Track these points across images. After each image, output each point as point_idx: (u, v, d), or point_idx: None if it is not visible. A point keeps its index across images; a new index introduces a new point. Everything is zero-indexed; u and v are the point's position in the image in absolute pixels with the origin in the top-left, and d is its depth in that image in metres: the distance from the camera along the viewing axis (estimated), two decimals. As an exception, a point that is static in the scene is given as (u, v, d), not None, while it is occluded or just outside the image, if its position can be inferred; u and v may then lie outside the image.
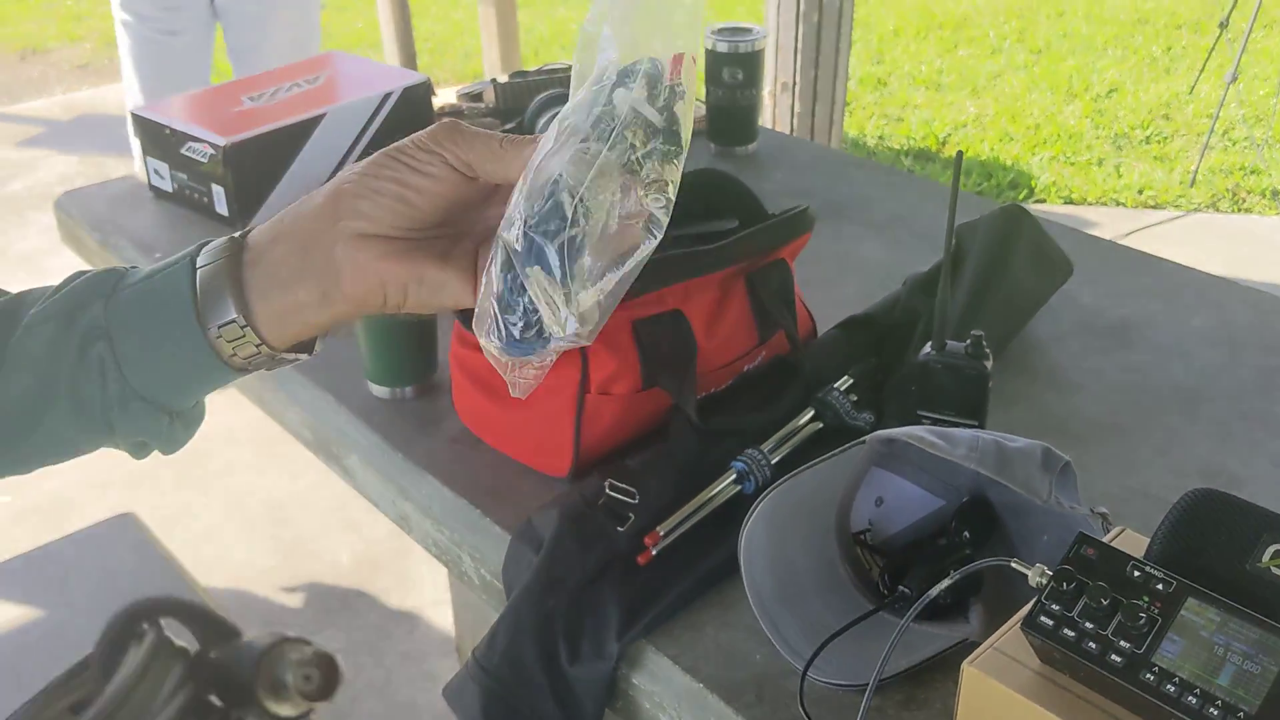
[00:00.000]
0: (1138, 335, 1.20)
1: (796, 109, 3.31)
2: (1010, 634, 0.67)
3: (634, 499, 0.92)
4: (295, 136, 1.48)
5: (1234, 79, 3.86)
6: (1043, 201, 3.90)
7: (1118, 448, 1.03)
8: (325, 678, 0.49)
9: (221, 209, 1.46)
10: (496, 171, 0.61)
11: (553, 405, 0.97)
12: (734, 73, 1.60)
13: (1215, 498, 0.65)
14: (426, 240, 0.63)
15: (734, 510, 0.89)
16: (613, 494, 0.92)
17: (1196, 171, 3.97)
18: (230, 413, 2.77)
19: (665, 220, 0.59)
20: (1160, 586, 0.62)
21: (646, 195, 0.58)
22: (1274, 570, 0.62)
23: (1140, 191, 3.94)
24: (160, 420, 0.67)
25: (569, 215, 0.57)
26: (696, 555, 0.89)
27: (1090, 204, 3.90)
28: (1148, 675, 0.60)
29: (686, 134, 0.60)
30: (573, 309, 0.58)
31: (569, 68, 1.75)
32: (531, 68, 1.82)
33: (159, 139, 1.50)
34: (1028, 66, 5.07)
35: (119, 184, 1.64)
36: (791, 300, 1.09)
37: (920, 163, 4.19)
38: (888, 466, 0.87)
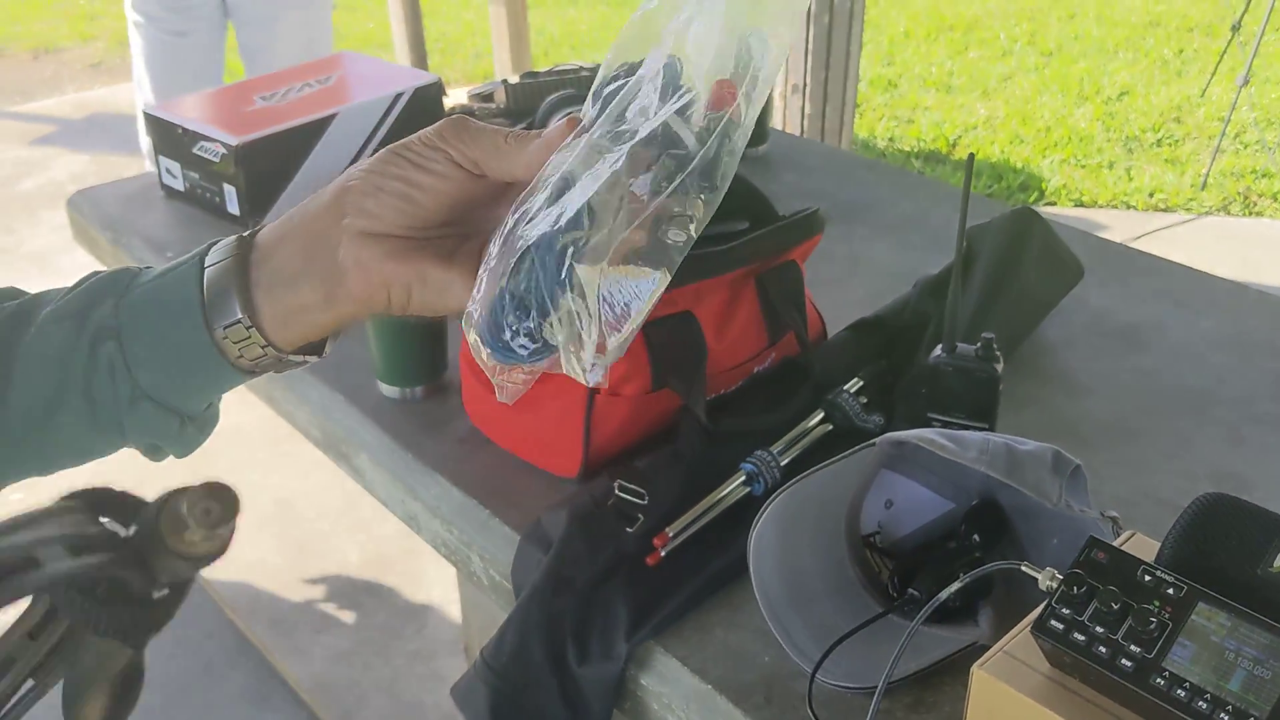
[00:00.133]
0: (1148, 338, 1.20)
1: (807, 110, 3.30)
2: (1020, 638, 0.67)
3: (643, 500, 0.92)
4: (307, 136, 1.48)
5: (1246, 82, 3.85)
6: (1053, 204, 3.90)
7: (1128, 451, 1.03)
8: (224, 506, 0.50)
9: (233, 208, 1.46)
10: (502, 169, 0.60)
11: (562, 406, 0.97)
12: (745, 74, 1.60)
13: (1226, 502, 0.65)
14: (433, 239, 0.62)
15: (743, 512, 0.89)
16: (622, 495, 0.93)
17: (1208, 175, 3.96)
18: (240, 411, 2.77)
19: (679, 260, 0.56)
20: (1171, 591, 0.62)
21: (666, 231, 0.56)
22: (1285, 575, 0.62)
23: (1151, 194, 3.93)
24: (171, 422, 0.67)
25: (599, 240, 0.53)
26: (705, 556, 0.89)
27: (1101, 207, 3.89)
28: (1158, 680, 0.60)
29: (727, 175, 0.56)
30: (604, 357, 0.56)
31: (579, 69, 1.76)
32: (542, 68, 1.82)
33: (171, 138, 1.51)
34: (1039, 69, 5.06)
35: (131, 183, 1.65)
36: (802, 302, 1.08)
37: (930, 165, 4.18)
38: (897, 469, 0.87)
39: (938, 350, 0.95)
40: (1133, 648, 0.61)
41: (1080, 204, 3.90)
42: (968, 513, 0.84)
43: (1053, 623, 0.63)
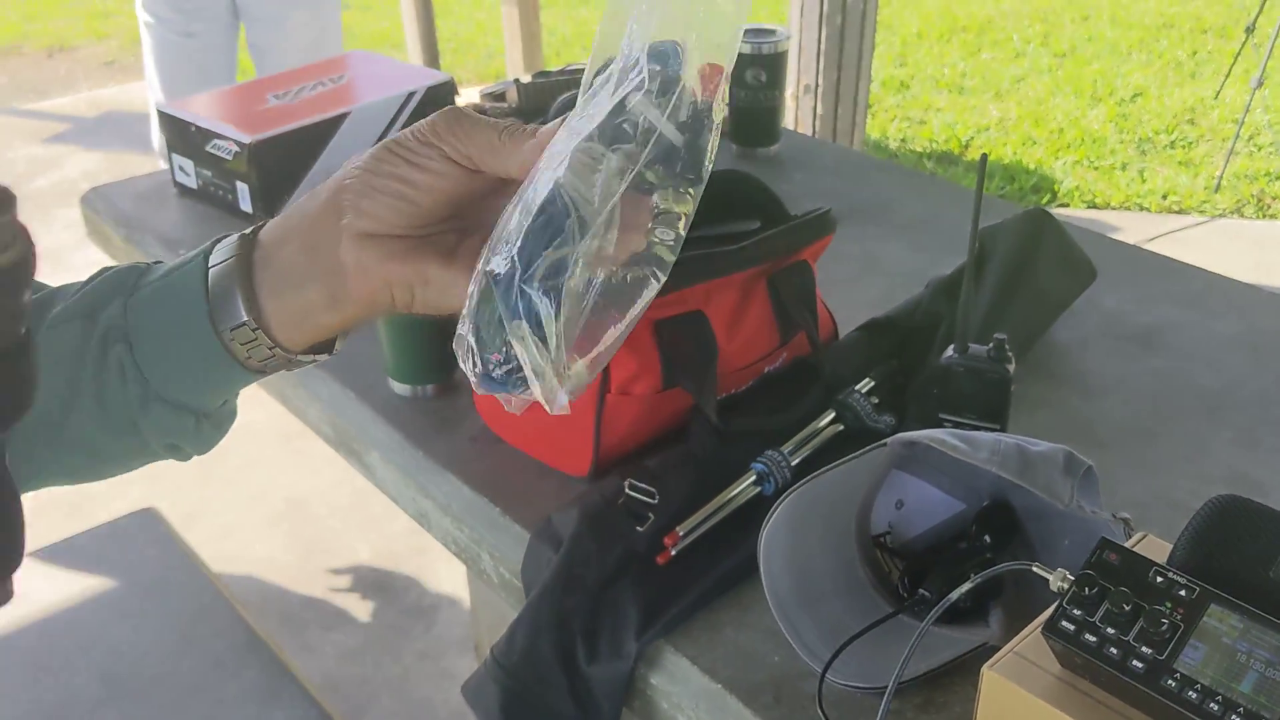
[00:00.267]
0: (1162, 340, 1.19)
1: (819, 111, 3.30)
2: (1031, 638, 0.67)
3: (654, 499, 0.92)
4: (319, 135, 1.49)
5: (1260, 84, 3.83)
6: (1066, 206, 3.89)
7: (1141, 453, 1.02)
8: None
9: (246, 206, 1.47)
10: (497, 167, 0.58)
11: (573, 405, 0.97)
12: (757, 74, 1.60)
13: (1239, 504, 0.65)
14: (434, 236, 0.60)
15: (753, 511, 0.89)
16: (632, 494, 0.93)
17: (1221, 177, 3.94)
18: (252, 409, 2.78)
19: (671, 261, 0.53)
20: (1183, 593, 0.62)
21: (654, 230, 0.53)
22: (1298, 578, 0.62)
23: (1164, 197, 3.91)
24: (186, 421, 0.67)
25: (573, 264, 0.50)
26: (716, 556, 0.89)
27: (1114, 209, 3.88)
28: (1169, 681, 0.60)
29: (709, 163, 0.53)
30: (566, 383, 0.53)
31: (592, 68, 1.76)
32: (554, 68, 1.82)
33: (185, 136, 1.51)
34: (1052, 70, 5.05)
35: (144, 180, 1.65)
36: (813, 302, 1.08)
37: (943, 166, 4.17)
38: (908, 469, 0.87)
39: (949, 351, 0.95)
40: (1144, 649, 0.61)
41: (1093, 206, 3.89)
42: (979, 513, 0.84)
43: (1064, 624, 0.63)
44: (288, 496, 2.55)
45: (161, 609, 1.48)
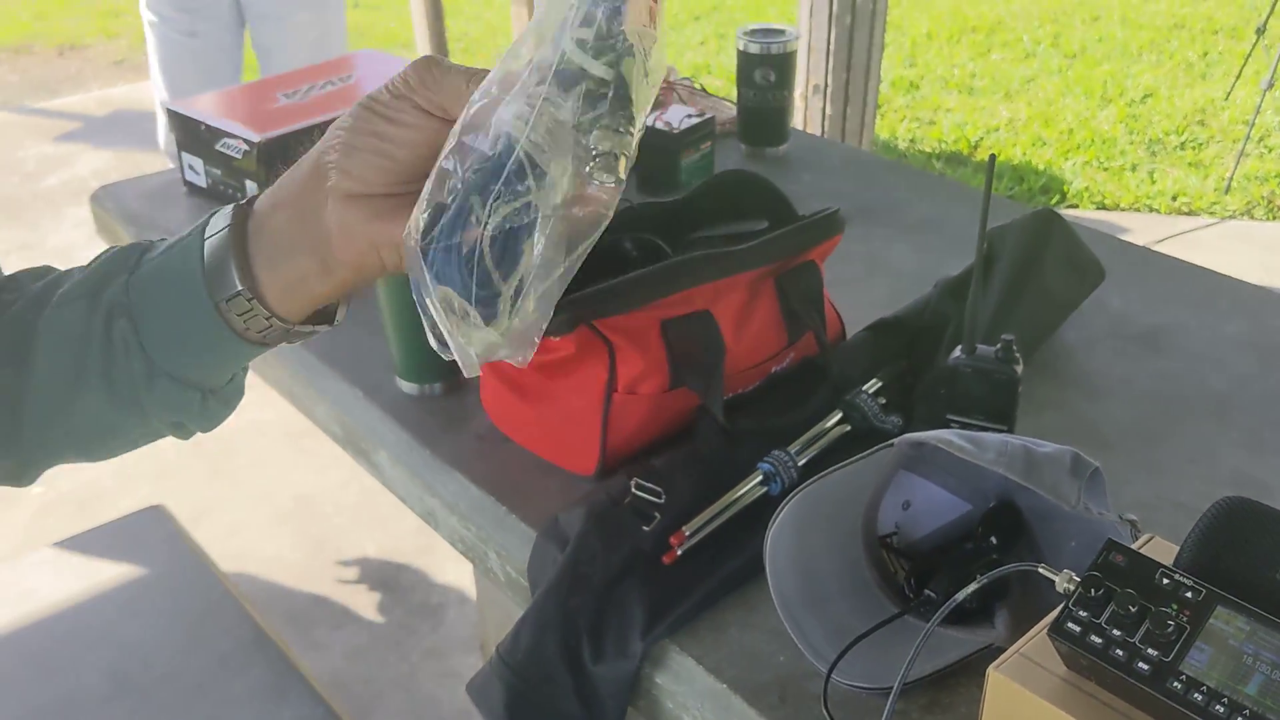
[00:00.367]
0: (1170, 342, 1.19)
1: (828, 111, 3.30)
2: (1036, 640, 0.67)
3: (660, 498, 0.92)
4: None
5: (1270, 85, 3.82)
6: (1075, 207, 3.88)
7: (1148, 455, 1.02)
8: None
9: (254, 205, 1.47)
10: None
11: (580, 404, 0.97)
12: (765, 74, 1.60)
13: (1246, 506, 0.65)
14: (417, 193, 0.59)
15: (760, 511, 0.89)
16: (639, 493, 0.93)
17: (1232, 178, 3.93)
18: (261, 408, 2.79)
19: (614, 202, 0.52)
20: (1189, 594, 0.62)
21: (594, 171, 0.51)
22: (1305, 580, 0.62)
23: (1174, 198, 3.90)
24: (191, 398, 0.66)
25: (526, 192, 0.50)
26: (722, 556, 0.89)
27: (1123, 210, 3.87)
28: (1175, 683, 0.59)
29: (642, 101, 0.51)
30: (503, 326, 0.52)
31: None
32: (563, 67, 1.82)
33: (194, 134, 1.52)
34: (1062, 71, 5.04)
35: (153, 179, 1.66)
36: (820, 302, 1.08)
37: (952, 166, 4.17)
38: (915, 470, 0.86)
39: (957, 352, 0.95)
40: (1150, 651, 0.61)
41: (1102, 207, 3.88)
42: (985, 514, 0.84)
43: (1069, 625, 0.63)
44: (295, 495, 2.55)
45: (169, 606, 1.49)
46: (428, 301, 0.54)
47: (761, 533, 0.81)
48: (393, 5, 6.08)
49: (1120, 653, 0.61)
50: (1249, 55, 4.30)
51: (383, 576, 2.32)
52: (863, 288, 1.28)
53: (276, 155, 1.44)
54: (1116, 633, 0.62)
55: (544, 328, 0.54)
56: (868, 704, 0.78)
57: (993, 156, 0.88)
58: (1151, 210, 3.86)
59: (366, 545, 2.40)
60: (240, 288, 0.61)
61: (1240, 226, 3.75)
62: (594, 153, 0.50)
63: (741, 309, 1.02)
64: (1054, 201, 3.87)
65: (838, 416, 1.01)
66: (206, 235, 0.63)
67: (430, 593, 2.27)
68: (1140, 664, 0.60)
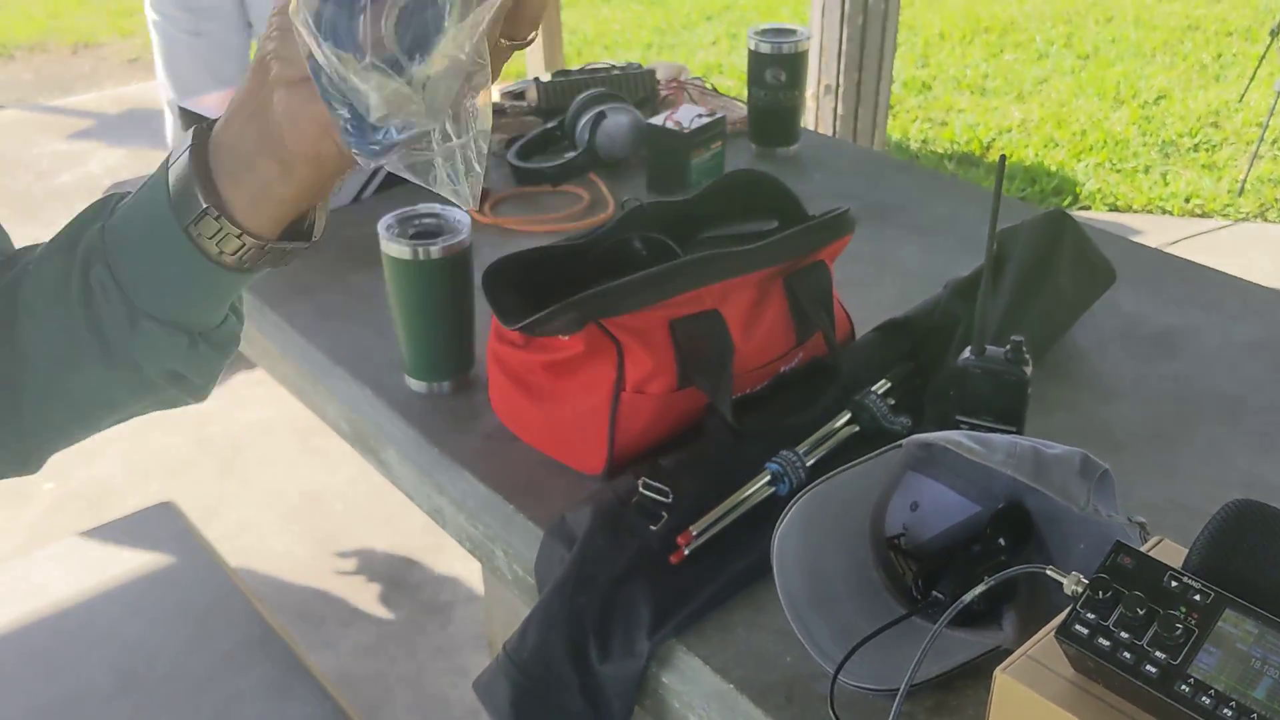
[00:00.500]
0: (1181, 344, 1.19)
1: (839, 111, 3.29)
2: (1044, 642, 0.67)
3: (667, 498, 0.92)
4: (339, 132, 1.49)
5: (1285, 87, 3.80)
6: (1087, 208, 3.86)
7: (1158, 457, 1.02)
8: None
9: (265, 202, 1.47)
10: None
11: (588, 403, 0.97)
12: (777, 74, 1.60)
13: (1256, 509, 0.64)
14: None
15: (767, 511, 0.89)
16: (646, 493, 0.93)
17: (1245, 180, 3.91)
18: (270, 405, 2.80)
19: None
20: (1198, 597, 0.62)
21: None
22: (1315, 584, 0.61)
23: (1187, 200, 3.89)
24: (179, 341, 0.65)
25: None
26: (729, 556, 0.89)
27: (1136, 212, 3.86)
28: (1183, 686, 0.59)
29: None
30: (408, 74, 0.51)
31: (611, 67, 1.76)
32: (574, 67, 1.83)
33: (205, 132, 1.52)
34: (1075, 72, 5.02)
35: (165, 176, 1.66)
36: (830, 302, 1.08)
37: (964, 167, 4.16)
38: (924, 471, 0.86)
39: (966, 352, 0.95)
40: (1158, 654, 0.60)
41: (1115, 209, 3.87)
42: (993, 516, 0.84)
43: (1077, 627, 0.63)
44: (304, 492, 2.56)
45: (178, 602, 1.49)
46: (316, 52, 0.52)
47: (769, 533, 0.80)
48: (405, 4, 6.08)
49: (1128, 655, 0.61)
50: (1263, 57, 4.28)
51: (391, 574, 2.32)
52: (872, 288, 1.28)
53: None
54: (1124, 635, 0.61)
55: (454, 91, 0.53)
56: (874, 705, 0.77)
57: (1003, 156, 0.88)
58: (1164, 212, 3.85)
59: (375, 543, 2.41)
60: (205, 205, 0.60)
61: (1253, 229, 3.73)
62: None
63: (750, 309, 1.02)
64: (1066, 203, 3.85)
65: (846, 417, 1.01)
66: (170, 163, 0.62)
67: (438, 590, 2.28)
68: (1148, 667, 0.60)
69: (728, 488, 0.93)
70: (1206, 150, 4.27)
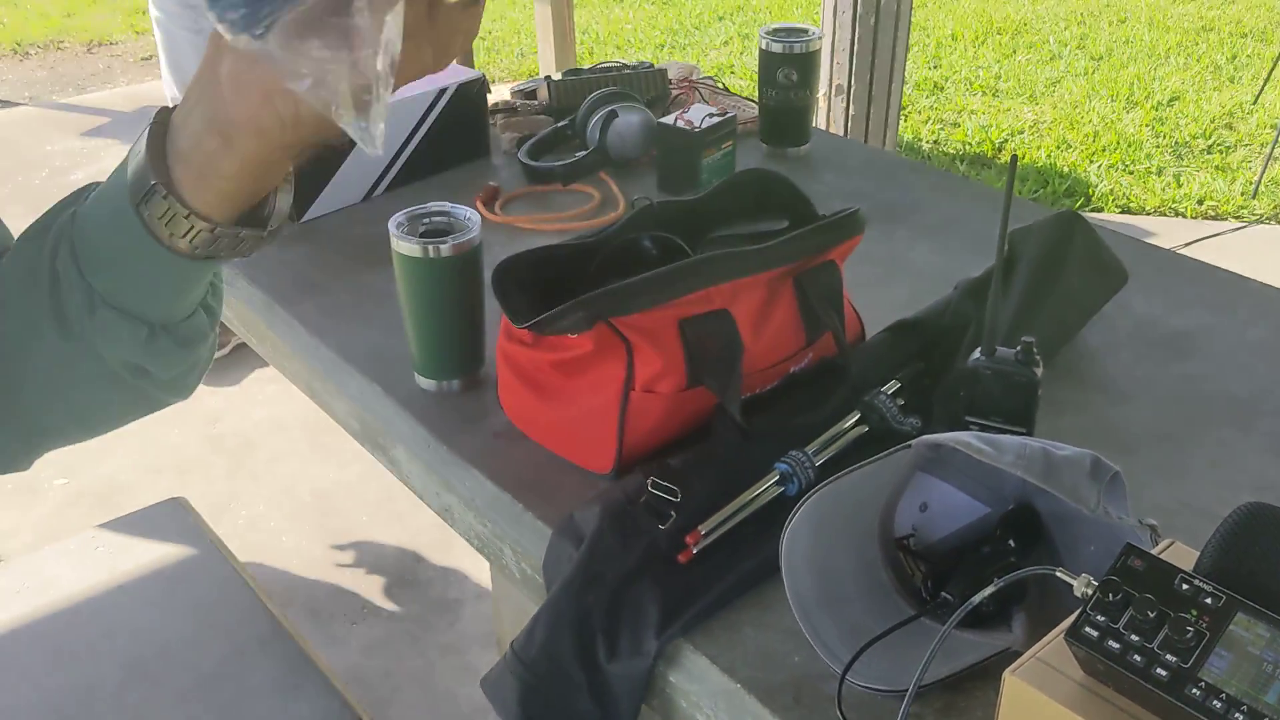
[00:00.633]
0: (1193, 346, 1.18)
1: (851, 111, 3.29)
2: (1053, 644, 0.66)
3: (676, 497, 0.92)
4: (350, 130, 1.49)
5: (1300, 89, 3.79)
6: (1100, 210, 3.85)
7: (1169, 459, 1.01)
8: None
9: (276, 200, 1.47)
10: None
11: (597, 402, 0.97)
12: (788, 73, 1.59)
13: (1268, 512, 0.64)
14: None
15: (776, 511, 0.88)
16: (655, 492, 0.92)
17: (1259, 182, 3.90)
18: (281, 403, 2.81)
19: None
20: (1209, 600, 0.61)
21: None
22: (1327, 587, 0.61)
23: (1200, 202, 3.87)
24: (137, 331, 0.64)
25: None
26: (737, 555, 0.89)
27: (1149, 213, 3.85)
28: (1193, 690, 0.59)
29: None
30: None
31: (622, 66, 1.76)
32: (586, 66, 1.83)
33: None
34: (1087, 73, 5.00)
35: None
36: (840, 302, 1.08)
37: (976, 169, 4.15)
38: (933, 471, 0.86)
39: (977, 353, 0.94)
40: (1168, 657, 0.60)
41: (1127, 210, 3.86)
42: (1003, 517, 0.84)
43: (1087, 630, 0.62)
44: (314, 489, 2.56)
45: (187, 598, 1.50)
46: None
47: (777, 533, 0.80)
48: (417, 3, 6.08)
49: (1138, 658, 0.60)
50: (1277, 58, 4.26)
51: (400, 571, 2.33)
52: (883, 288, 1.28)
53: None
54: (1135, 638, 0.61)
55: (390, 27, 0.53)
56: (883, 706, 0.77)
57: (1014, 157, 0.88)
58: (1177, 214, 3.83)
59: (384, 540, 2.41)
60: (153, 181, 0.59)
61: (1267, 231, 3.72)
62: None
63: (760, 308, 1.01)
64: (1079, 205, 3.84)
65: (856, 417, 1.01)
66: (133, 146, 0.62)
67: (447, 588, 2.28)
68: (1158, 670, 0.60)
69: (736, 487, 0.93)
70: (1220, 152, 4.25)
